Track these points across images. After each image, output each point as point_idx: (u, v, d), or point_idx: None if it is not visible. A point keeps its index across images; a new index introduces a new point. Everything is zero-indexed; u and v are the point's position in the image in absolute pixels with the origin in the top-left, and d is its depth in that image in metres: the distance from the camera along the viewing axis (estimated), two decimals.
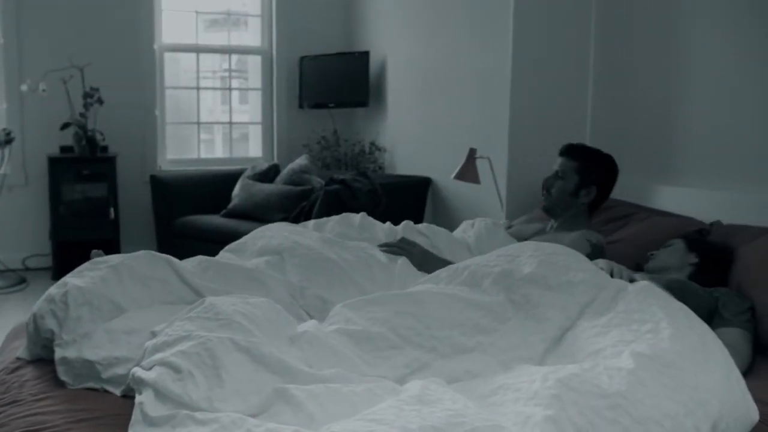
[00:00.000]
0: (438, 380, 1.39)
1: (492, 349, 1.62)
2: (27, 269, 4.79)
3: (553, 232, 2.57)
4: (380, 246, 2.29)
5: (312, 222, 2.52)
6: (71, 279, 1.82)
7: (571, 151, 2.56)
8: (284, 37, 5.30)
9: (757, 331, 1.99)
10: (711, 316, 2.01)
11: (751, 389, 1.67)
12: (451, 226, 4.19)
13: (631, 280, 1.96)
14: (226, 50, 5.40)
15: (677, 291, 1.99)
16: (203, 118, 5.56)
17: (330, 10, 5.38)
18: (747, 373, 1.85)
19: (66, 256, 4.40)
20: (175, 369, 1.36)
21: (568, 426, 1.21)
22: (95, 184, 4.61)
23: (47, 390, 1.66)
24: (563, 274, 1.73)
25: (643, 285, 1.74)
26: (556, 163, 2.58)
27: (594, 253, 2.37)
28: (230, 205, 4.53)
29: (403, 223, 2.59)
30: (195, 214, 4.52)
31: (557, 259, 1.79)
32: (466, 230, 2.70)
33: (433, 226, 2.56)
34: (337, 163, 5.14)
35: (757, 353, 1.96)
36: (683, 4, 2.82)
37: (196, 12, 5.21)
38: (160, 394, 1.32)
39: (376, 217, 3.04)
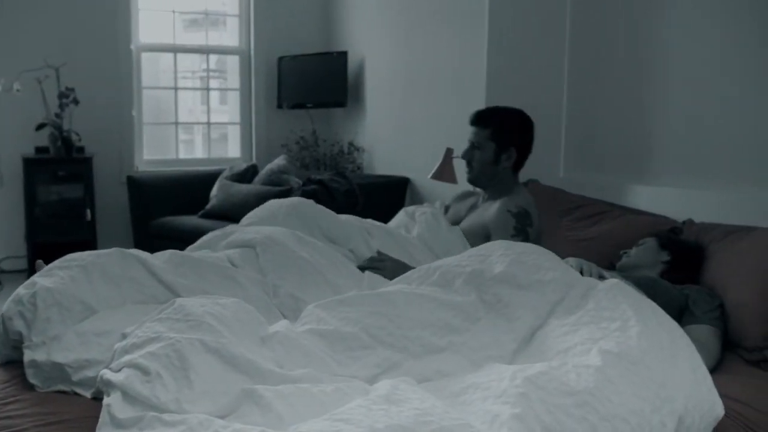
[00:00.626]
0: (408, 380, 1.40)
1: (464, 349, 1.63)
2: (2, 272, 4.73)
3: (483, 204, 2.55)
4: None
5: (255, 214, 2.46)
6: (40, 279, 1.79)
7: (481, 118, 2.51)
8: (262, 37, 5.28)
9: (726, 328, 2.01)
10: (681, 313, 2.03)
11: (720, 385, 1.69)
12: None
13: (601, 278, 1.98)
14: (204, 50, 5.37)
15: (648, 288, 2.01)
16: (184, 119, 5.54)
17: (308, 10, 5.37)
18: (716, 369, 1.88)
19: (42, 258, 4.33)
20: (144, 371, 1.35)
21: (536, 424, 1.21)
22: (71, 185, 4.57)
23: (16, 393, 1.64)
24: (533, 273, 1.74)
25: (613, 283, 1.76)
26: (470, 133, 2.52)
27: (519, 221, 2.34)
28: (208, 206, 4.51)
29: (347, 217, 2.53)
30: (172, 215, 4.50)
31: (527, 258, 1.80)
32: (408, 225, 2.65)
33: (394, 230, 2.53)
34: (316, 163, 5.13)
35: (726, 350, 1.99)
36: (657, 4, 2.84)
37: (174, 12, 5.18)
38: (129, 396, 1.32)
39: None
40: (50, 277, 1.80)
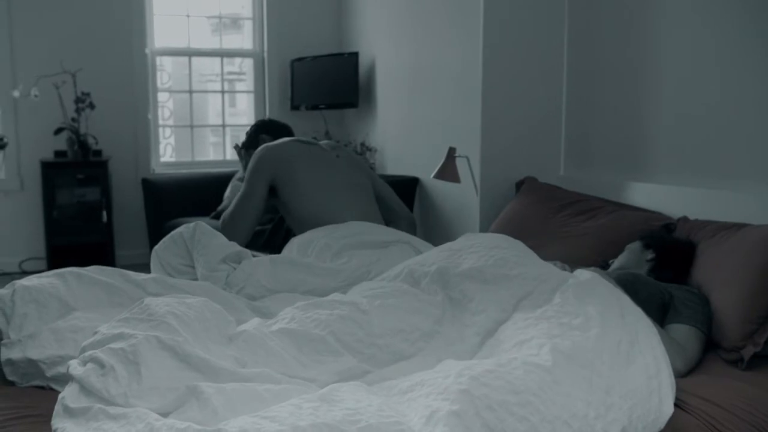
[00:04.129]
0: (356, 383, 1.40)
1: (433, 354, 1.63)
2: (23, 272, 4.86)
3: None
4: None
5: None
6: (20, 281, 1.87)
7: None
8: (275, 40, 5.33)
9: (710, 330, 1.97)
10: (665, 311, 1.99)
11: (692, 384, 1.67)
12: (438, 225, 4.22)
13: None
14: (218, 53, 5.45)
15: (627, 284, 1.97)
16: (212, 121, 5.65)
17: (320, 13, 5.41)
18: (695, 369, 1.85)
19: (61, 260, 4.46)
20: (100, 364, 1.39)
21: (475, 421, 1.21)
22: (89, 187, 4.67)
23: None
24: (500, 268, 1.74)
25: (587, 278, 1.74)
26: None
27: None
28: (220, 207, 4.58)
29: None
30: (186, 216, 4.57)
31: (496, 253, 1.80)
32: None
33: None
34: None
35: (708, 349, 1.95)
36: (653, 2, 2.81)
37: (188, 16, 5.27)
38: (84, 389, 1.36)
39: None
40: (29, 281, 1.89)
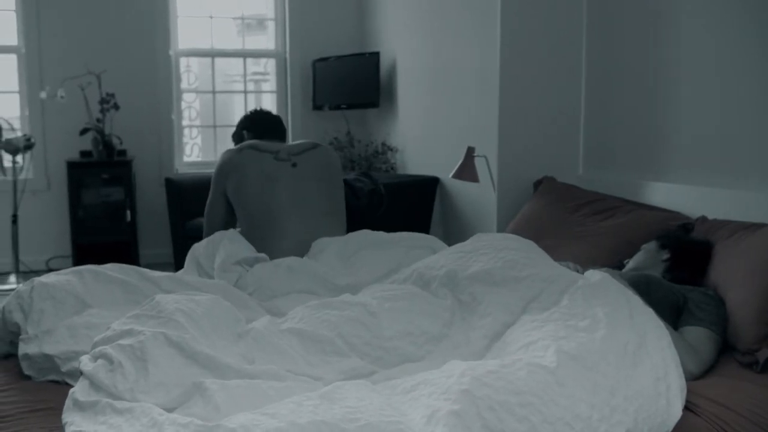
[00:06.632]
0: (361, 381, 1.40)
1: (441, 357, 1.63)
2: (50, 270, 4.93)
3: None
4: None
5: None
6: (39, 278, 1.92)
7: None
8: (297, 40, 5.37)
9: (726, 332, 1.94)
10: (679, 313, 1.97)
11: (704, 387, 1.65)
12: (458, 224, 4.21)
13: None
14: (240, 54, 5.50)
15: (640, 285, 1.95)
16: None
17: (341, 13, 5.43)
18: (710, 371, 1.82)
19: (86, 258, 4.52)
20: (109, 360, 1.42)
21: (475, 421, 1.21)
22: (113, 187, 4.74)
23: (11, 382, 1.74)
24: (509, 270, 1.73)
25: (597, 280, 1.72)
26: None
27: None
28: None
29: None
30: None
31: (505, 255, 1.79)
32: None
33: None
34: (351, 164, 5.17)
35: (724, 352, 1.92)
36: (672, 2, 2.78)
37: (211, 17, 5.33)
38: (94, 385, 1.39)
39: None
40: (47, 278, 1.93)
